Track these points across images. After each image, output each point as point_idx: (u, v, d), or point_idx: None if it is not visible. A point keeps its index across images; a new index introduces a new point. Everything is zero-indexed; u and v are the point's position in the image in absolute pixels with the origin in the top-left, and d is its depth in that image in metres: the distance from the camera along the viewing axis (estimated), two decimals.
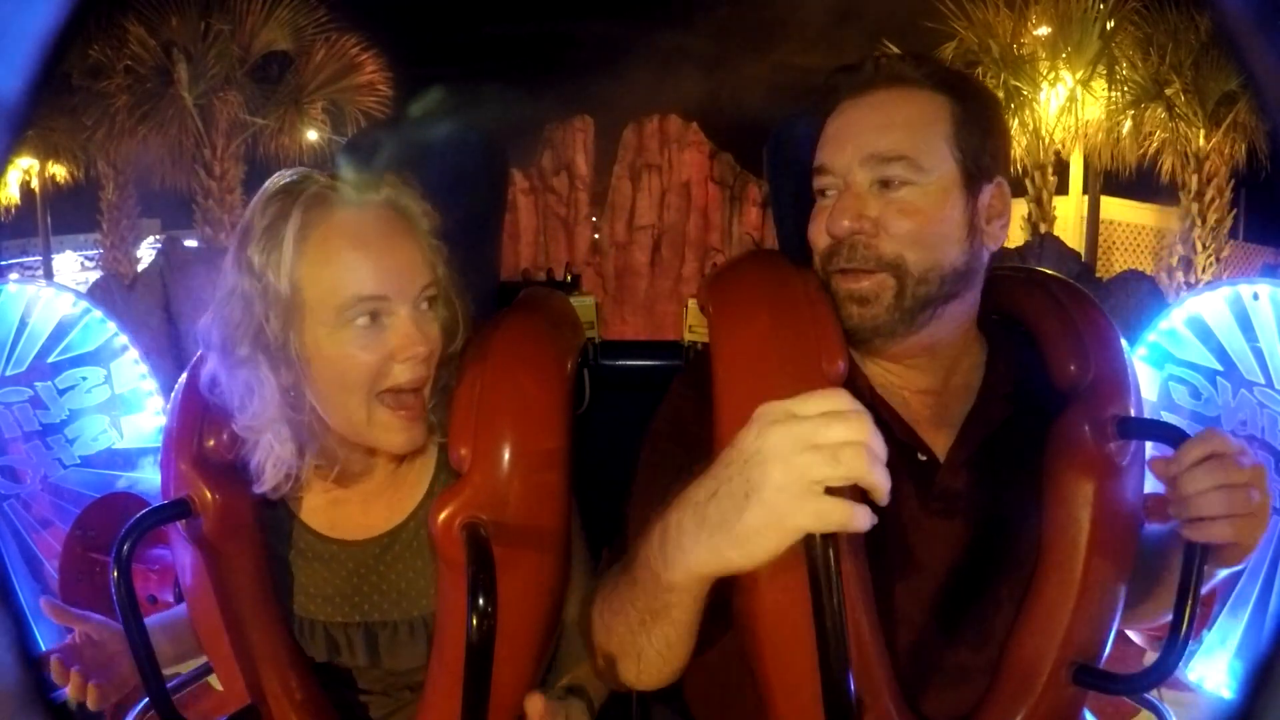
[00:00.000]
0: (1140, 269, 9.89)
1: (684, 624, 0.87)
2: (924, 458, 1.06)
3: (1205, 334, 2.99)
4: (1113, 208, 11.95)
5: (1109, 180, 11.00)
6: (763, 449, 0.71)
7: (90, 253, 13.41)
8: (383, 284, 0.98)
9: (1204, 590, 0.95)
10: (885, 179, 1.01)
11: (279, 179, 1.02)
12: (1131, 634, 2.39)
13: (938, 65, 1.09)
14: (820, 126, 1.09)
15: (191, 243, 9.65)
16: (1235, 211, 9.76)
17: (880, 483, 0.68)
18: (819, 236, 1.06)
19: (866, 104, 1.05)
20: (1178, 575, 1.00)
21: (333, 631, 1.12)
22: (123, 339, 3.30)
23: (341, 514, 1.11)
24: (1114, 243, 12.15)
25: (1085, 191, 11.67)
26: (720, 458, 0.76)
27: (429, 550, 1.09)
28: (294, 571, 1.12)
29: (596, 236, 15.05)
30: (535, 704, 0.91)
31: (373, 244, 0.99)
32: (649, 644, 0.91)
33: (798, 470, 0.68)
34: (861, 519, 0.68)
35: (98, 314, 3.28)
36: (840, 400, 0.70)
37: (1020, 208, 10.03)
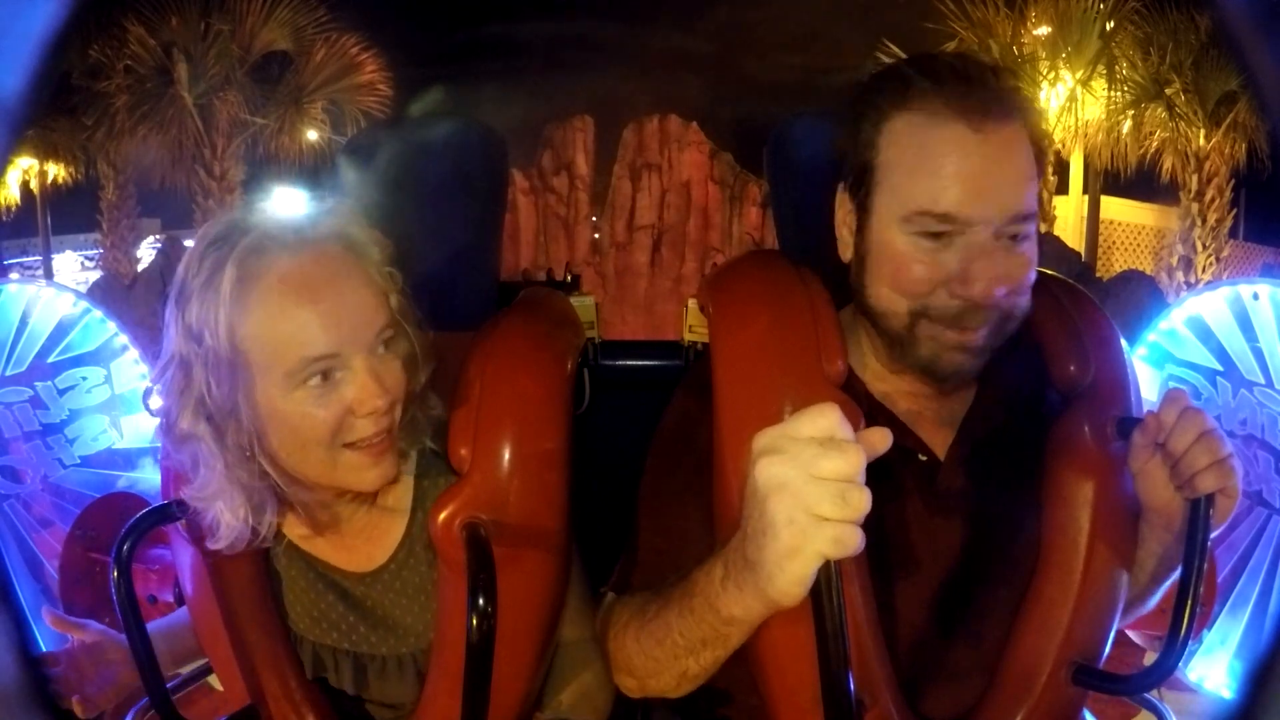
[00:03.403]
0: (1140, 269, 9.88)
1: (736, 644, 0.90)
2: (924, 458, 1.06)
3: (1205, 334, 2.98)
4: (1113, 207, 11.94)
5: (1109, 180, 10.99)
6: (768, 483, 0.71)
7: (90, 253, 13.38)
8: (333, 340, 0.91)
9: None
10: (1015, 234, 0.96)
11: (211, 228, 0.94)
12: (1131, 634, 2.39)
13: (1019, 88, 1.01)
14: (875, 127, 0.98)
15: (191, 243, 9.62)
16: (1235, 211, 9.75)
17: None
18: (927, 287, 0.96)
19: (994, 145, 0.94)
20: (1153, 563, 1.02)
21: (321, 653, 1.09)
22: (123, 339, 3.30)
23: (325, 543, 1.08)
24: (1114, 243, 12.13)
25: (1085, 191, 11.66)
26: (745, 495, 0.76)
27: (415, 588, 1.06)
28: (284, 584, 1.09)
29: (596, 236, 15.03)
30: None
31: (319, 295, 0.91)
32: (695, 664, 0.93)
33: (804, 503, 0.69)
34: (862, 540, 0.70)
35: (98, 314, 3.28)
36: (832, 423, 0.70)
37: None
